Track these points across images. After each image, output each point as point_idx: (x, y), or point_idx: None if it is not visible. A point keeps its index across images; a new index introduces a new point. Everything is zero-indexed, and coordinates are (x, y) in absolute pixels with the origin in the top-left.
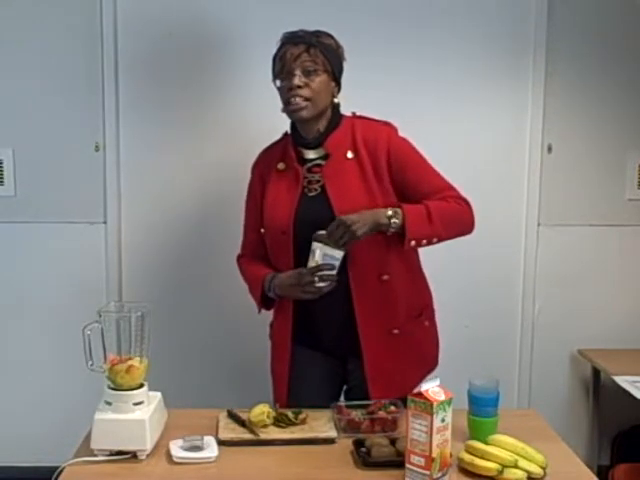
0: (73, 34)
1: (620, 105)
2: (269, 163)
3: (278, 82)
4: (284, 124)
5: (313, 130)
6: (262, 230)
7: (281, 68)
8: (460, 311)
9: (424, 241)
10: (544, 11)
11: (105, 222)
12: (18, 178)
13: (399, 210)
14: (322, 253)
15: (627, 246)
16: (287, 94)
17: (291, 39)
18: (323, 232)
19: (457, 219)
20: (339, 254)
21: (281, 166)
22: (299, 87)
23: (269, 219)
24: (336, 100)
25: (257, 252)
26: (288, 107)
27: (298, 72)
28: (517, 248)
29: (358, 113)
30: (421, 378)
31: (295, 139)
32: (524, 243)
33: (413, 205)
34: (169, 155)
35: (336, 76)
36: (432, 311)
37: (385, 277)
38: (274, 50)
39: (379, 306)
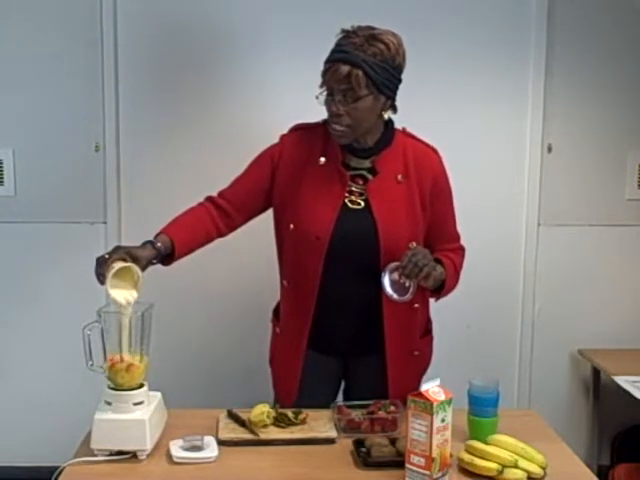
0: (73, 34)
1: (620, 105)
2: (309, 151)
3: (323, 94)
4: (285, 124)
5: (362, 142)
6: (291, 226)
7: (323, 83)
8: (461, 311)
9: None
10: (544, 11)
11: (105, 222)
12: (18, 178)
13: (443, 273)
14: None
15: (627, 246)
16: (328, 113)
17: (337, 54)
18: (396, 263)
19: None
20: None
21: (322, 161)
22: (338, 115)
23: (306, 220)
24: (386, 116)
25: (226, 206)
26: (329, 128)
27: (339, 97)
28: (517, 248)
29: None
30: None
31: None
32: (524, 243)
33: (449, 266)
34: (169, 155)
35: (384, 91)
36: (432, 324)
37: (416, 305)
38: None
39: (406, 331)
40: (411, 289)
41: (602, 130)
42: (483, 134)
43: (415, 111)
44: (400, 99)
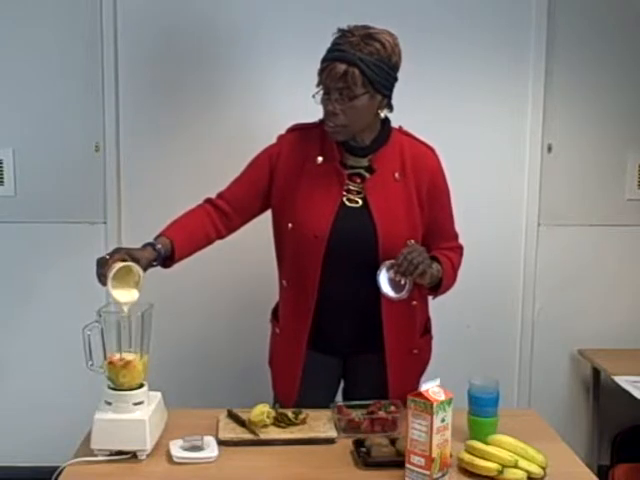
0: (73, 34)
1: (620, 105)
2: (306, 151)
3: (319, 92)
4: (284, 124)
5: (359, 141)
6: (290, 226)
7: (319, 82)
8: (460, 311)
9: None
10: (544, 11)
11: (105, 222)
12: (18, 178)
13: (440, 271)
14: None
15: (627, 246)
16: (324, 112)
17: (334, 53)
18: (392, 261)
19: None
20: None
21: (320, 160)
22: (334, 114)
23: (304, 219)
24: (382, 115)
25: (225, 207)
26: (325, 126)
27: (335, 95)
28: (517, 248)
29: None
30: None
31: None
32: (524, 243)
33: (446, 264)
34: (169, 155)
35: (381, 90)
36: (431, 323)
37: (414, 303)
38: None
39: (405, 329)
40: (407, 287)
41: (602, 130)
42: (483, 134)
43: (415, 111)
44: (400, 99)
